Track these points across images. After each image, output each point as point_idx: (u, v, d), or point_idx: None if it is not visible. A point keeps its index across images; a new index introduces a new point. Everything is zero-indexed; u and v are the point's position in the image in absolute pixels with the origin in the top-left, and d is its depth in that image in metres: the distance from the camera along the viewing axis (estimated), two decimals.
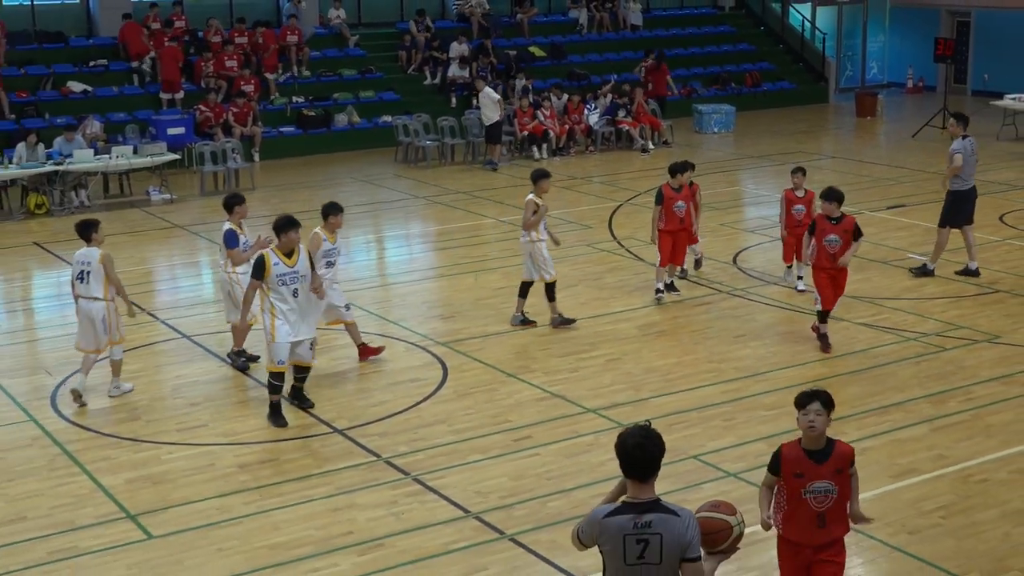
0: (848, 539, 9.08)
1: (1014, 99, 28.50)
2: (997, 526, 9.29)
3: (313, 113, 28.15)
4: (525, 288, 14.37)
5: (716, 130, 30.28)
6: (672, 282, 15.39)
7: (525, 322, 14.38)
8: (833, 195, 13.16)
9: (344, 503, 9.89)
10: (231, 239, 12.85)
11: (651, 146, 27.79)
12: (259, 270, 11.30)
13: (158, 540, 9.33)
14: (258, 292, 11.39)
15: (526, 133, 26.89)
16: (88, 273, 12.14)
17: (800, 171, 15.40)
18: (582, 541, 5.98)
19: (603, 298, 15.43)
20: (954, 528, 9.25)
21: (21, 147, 21.95)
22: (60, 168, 21.67)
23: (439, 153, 26.80)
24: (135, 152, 22.65)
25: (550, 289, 14.21)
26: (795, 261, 15.44)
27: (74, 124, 23.65)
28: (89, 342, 12.23)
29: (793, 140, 28.94)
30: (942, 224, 16.28)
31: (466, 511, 9.69)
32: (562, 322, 14.30)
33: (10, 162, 21.81)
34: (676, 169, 15.13)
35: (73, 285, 12.33)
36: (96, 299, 12.12)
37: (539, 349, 13.64)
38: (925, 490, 9.94)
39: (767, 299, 15.32)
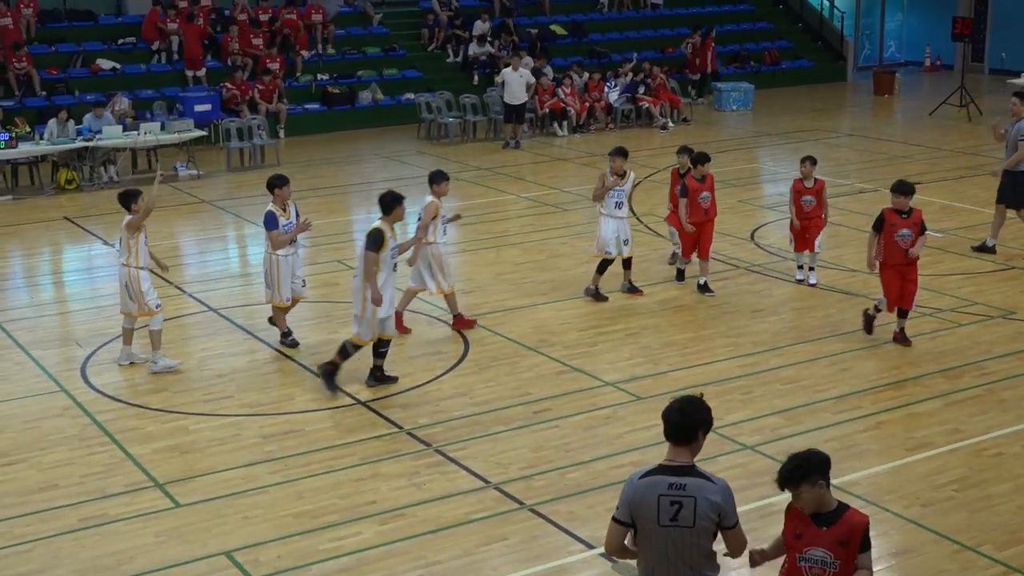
0: (864, 511, 9.10)
1: None
2: (1010, 499, 9.26)
3: (337, 90, 28.14)
4: (603, 266, 14.37)
5: (735, 108, 30.13)
6: (706, 282, 14.58)
7: (597, 296, 14.34)
8: (903, 188, 12.33)
9: (367, 473, 9.92)
10: (271, 221, 12.70)
11: (671, 123, 27.68)
12: (378, 244, 11.29)
13: (185, 508, 9.39)
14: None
15: (547, 110, 26.81)
16: (120, 238, 12.29)
17: (809, 160, 14.54)
18: (619, 521, 5.86)
19: (621, 273, 15.37)
20: (967, 501, 9.22)
21: (52, 123, 22.05)
22: (90, 144, 21.74)
23: (461, 130, 26.75)
24: (163, 129, 22.69)
25: (627, 262, 14.49)
26: (806, 251, 14.71)
27: (103, 101, 23.73)
28: (124, 305, 12.35)
29: (811, 118, 28.78)
30: (999, 201, 16.23)
31: (486, 482, 9.72)
32: (630, 289, 14.56)
33: (41, 138, 21.90)
34: (701, 159, 14.51)
35: None
36: (122, 264, 12.23)
37: (559, 323, 13.64)
38: (939, 464, 9.91)
39: (784, 275, 15.25)
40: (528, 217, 19.20)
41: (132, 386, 12.01)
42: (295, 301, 13.03)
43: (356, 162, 24.17)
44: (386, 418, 11.05)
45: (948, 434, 10.47)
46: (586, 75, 28.06)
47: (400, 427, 10.85)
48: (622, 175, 14.17)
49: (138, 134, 22.18)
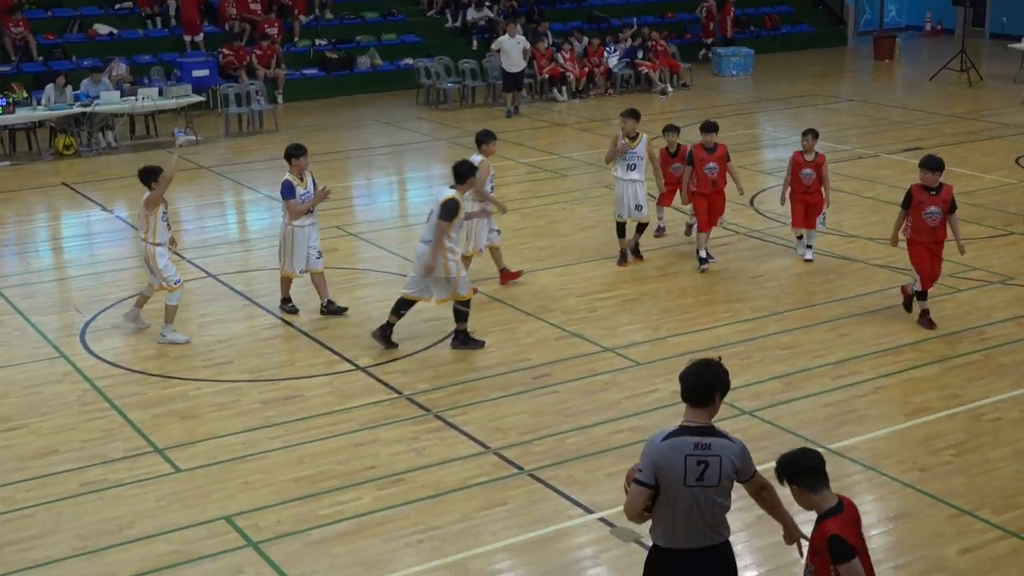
0: (859, 476, 9.15)
1: None
2: (1008, 464, 9.28)
3: (336, 56, 28.02)
4: (620, 229, 14.38)
5: (734, 73, 30.02)
6: (706, 254, 14.26)
7: (624, 260, 14.39)
8: (932, 164, 11.86)
9: (367, 438, 9.94)
10: (288, 191, 12.48)
11: (670, 89, 27.58)
12: (453, 213, 11.37)
13: (185, 473, 9.41)
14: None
15: (546, 76, 26.70)
16: (139, 213, 12.14)
17: (811, 134, 14.07)
18: (643, 483, 5.81)
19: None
20: (965, 466, 9.24)
21: (49, 89, 21.93)
22: (87, 110, 21.66)
23: (460, 95, 26.65)
24: (160, 94, 22.62)
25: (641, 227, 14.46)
26: (804, 230, 14.32)
27: (100, 66, 23.60)
28: (148, 277, 12.28)
29: (811, 83, 28.67)
30: None
31: (486, 447, 9.73)
32: (633, 251, 14.57)
33: (39, 104, 21.81)
34: (709, 128, 14.18)
35: None
36: (140, 239, 12.12)
37: (558, 289, 13.63)
38: (937, 428, 9.93)
39: (783, 240, 15.23)
40: (527, 183, 19.15)
41: (132, 352, 12.01)
42: (312, 274, 12.82)
43: (354, 128, 24.08)
44: (385, 384, 11.06)
45: (946, 399, 10.48)
46: (585, 40, 27.92)
47: (399, 392, 10.86)
48: (633, 137, 14.06)
49: (136, 99, 22.10)
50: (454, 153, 21.53)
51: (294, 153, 12.62)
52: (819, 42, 34.36)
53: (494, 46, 25.63)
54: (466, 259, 13.31)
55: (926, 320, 12.20)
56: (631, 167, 14.05)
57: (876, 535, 8.26)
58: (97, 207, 17.99)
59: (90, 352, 12.00)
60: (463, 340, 11.91)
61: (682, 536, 5.89)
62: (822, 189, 14.14)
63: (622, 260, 14.39)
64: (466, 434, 9.96)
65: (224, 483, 9.22)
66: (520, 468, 9.35)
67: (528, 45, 25.67)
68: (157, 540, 8.40)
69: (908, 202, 12.00)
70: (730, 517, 8.54)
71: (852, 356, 11.50)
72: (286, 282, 12.95)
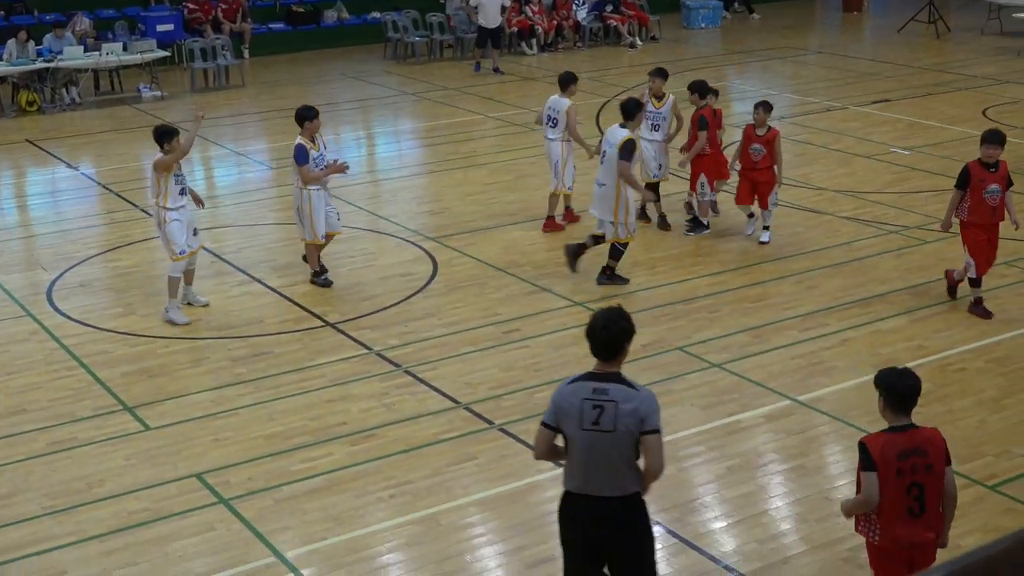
0: (827, 427, 9.24)
1: None
2: (973, 413, 9.38)
3: (302, 9, 27.74)
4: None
5: (703, 25, 29.92)
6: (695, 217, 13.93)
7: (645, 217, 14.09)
8: (995, 137, 10.89)
9: (337, 395, 9.94)
10: (300, 155, 11.93)
11: (639, 42, 27.47)
12: (631, 152, 11.74)
13: (155, 431, 9.38)
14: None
15: (515, 29, 26.53)
16: (148, 177, 11.56)
17: (763, 107, 13.13)
18: (546, 425, 5.94)
19: (590, 193, 15.30)
20: (932, 415, 9.32)
21: (11, 44, 21.63)
22: (50, 65, 21.38)
23: (428, 49, 26.46)
24: (125, 49, 22.33)
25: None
26: (759, 210, 13.37)
27: (63, 21, 23.31)
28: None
29: (780, 35, 28.63)
30: None
31: (456, 402, 9.75)
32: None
33: (0, 59, 21.50)
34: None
35: None
36: (153, 204, 11.58)
37: (528, 243, 13.62)
38: None
39: None
40: (496, 137, 19.09)
41: (100, 310, 11.94)
42: (330, 237, 12.35)
43: (322, 82, 23.90)
44: (355, 340, 11.05)
45: (913, 350, 10.57)
46: None
47: (370, 348, 10.85)
48: (660, 97, 13.83)
49: (100, 55, 21.82)
50: (421, 108, 21.45)
51: (306, 115, 11.99)
52: None
53: (472, 1, 25.26)
54: (554, 197, 13.92)
55: (981, 309, 11.30)
56: (655, 127, 13.79)
57: (843, 485, 8.34)
58: (62, 164, 17.81)
59: (57, 310, 11.92)
60: (609, 276, 12.23)
61: (579, 480, 5.94)
62: (774, 167, 13.10)
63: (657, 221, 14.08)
64: (436, 389, 9.98)
65: (194, 440, 9.21)
66: (490, 423, 9.38)
67: (507, 2, 25.29)
68: (127, 498, 8.39)
69: (966, 181, 10.92)
70: (699, 467, 8.66)
71: (820, 308, 11.56)
72: (313, 251, 12.30)
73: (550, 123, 13.82)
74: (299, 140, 12.03)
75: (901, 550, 6.15)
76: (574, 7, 27.73)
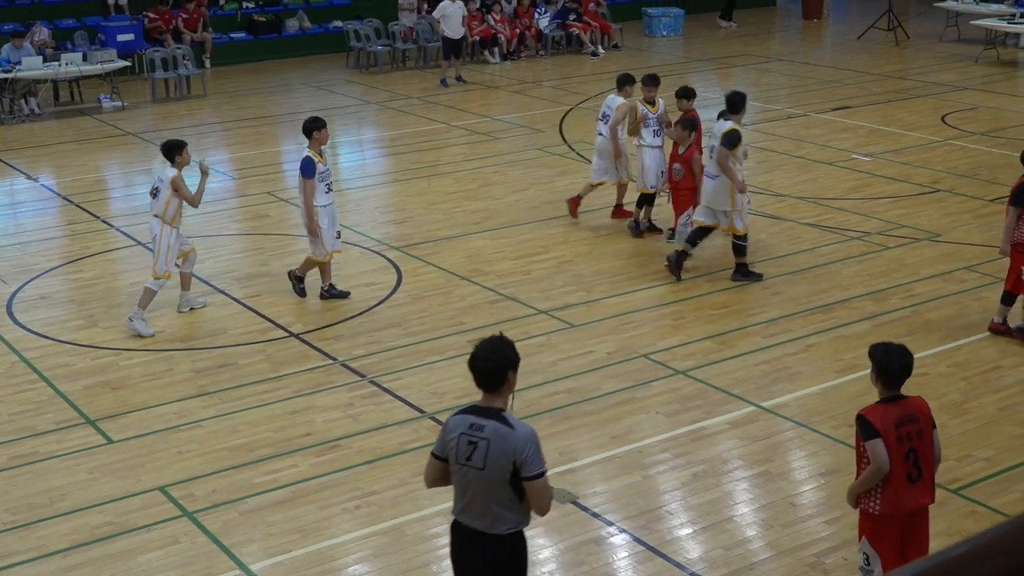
0: (791, 432, 9.30)
1: (957, 0, 28.42)
2: (935, 417, 9.43)
3: (264, 19, 27.66)
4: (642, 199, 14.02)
5: (665, 33, 30.05)
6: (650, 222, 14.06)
7: (652, 229, 14.06)
8: None
9: (302, 405, 9.91)
10: (307, 168, 11.56)
11: (601, 50, 27.57)
12: (735, 142, 11.98)
13: (118, 444, 9.32)
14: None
15: (477, 38, 26.57)
16: (158, 190, 11.39)
17: (680, 124, 13.06)
18: (435, 455, 5.90)
19: (554, 201, 15.38)
20: None
21: None
22: (9, 75, 21.20)
23: (391, 58, 26.45)
24: (84, 59, 22.18)
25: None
26: (688, 212, 12.97)
27: (22, 31, 23.09)
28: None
29: (741, 43, 28.81)
30: None
31: (421, 411, 9.74)
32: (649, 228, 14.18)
33: None
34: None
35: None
36: (155, 216, 11.45)
37: (492, 252, 13.63)
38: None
39: None
40: (460, 146, 19.10)
41: (61, 323, 11.84)
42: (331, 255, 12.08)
43: (284, 92, 23.83)
44: (319, 350, 11.02)
45: None
46: (515, 0, 27.80)
47: (334, 359, 10.82)
48: (652, 103, 13.93)
49: (59, 65, 21.66)
50: (384, 117, 21.43)
51: (314, 126, 11.67)
52: (748, 1, 34.47)
53: (436, 13, 25.15)
54: (622, 187, 14.23)
55: (1009, 330, 10.83)
56: (656, 133, 13.86)
57: (808, 491, 8.40)
58: (21, 175, 17.66)
59: (17, 323, 11.82)
60: (743, 273, 12.39)
61: (459, 509, 5.89)
62: (694, 188, 12.89)
63: (638, 231, 13.97)
64: (402, 399, 9.96)
65: (158, 453, 9.15)
66: None
67: (465, 12, 25.25)
68: (91, 512, 8.32)
69: (1021, 197, 9.95)
70: (664, 474, 8.69)
71: (783, 315, 11.64)
72: (325, 267, 12.08)
73: (603, 119, 14.17)
74: (307, 153, 11.71)
75: (900, 517, 6.37)
76: (536, 15, 27.79)
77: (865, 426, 6.34)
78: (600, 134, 14.23)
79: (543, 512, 5.79)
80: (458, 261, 13.34)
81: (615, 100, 14.03)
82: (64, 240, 14.63)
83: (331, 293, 12.22)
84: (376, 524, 8.11)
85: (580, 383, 10.15)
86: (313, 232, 11.71)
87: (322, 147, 11.87)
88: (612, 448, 9.08)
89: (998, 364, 10.44)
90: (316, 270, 12.20)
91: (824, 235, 13.89)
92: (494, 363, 5.71)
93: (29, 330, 11.65)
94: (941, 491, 8.32)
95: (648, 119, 13.81)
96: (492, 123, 20.33)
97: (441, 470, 5.91)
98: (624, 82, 14.06)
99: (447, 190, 16.26)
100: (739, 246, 12.42)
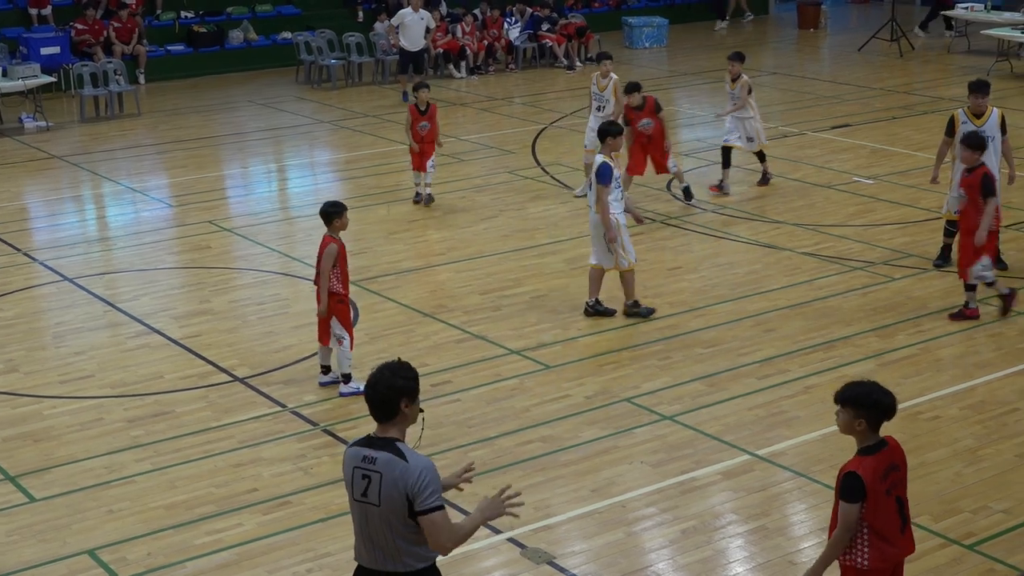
0: (790, 483, 9.32)
1: (965, 8, 28.78)
2: (948, 466, 9.50)
3: (204, 29, 27.70)
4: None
5: (647, 45, 30.27)
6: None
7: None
8: None
9: (247, 458, 9.86)
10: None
11: (579, 63, 27.72)
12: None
13: (41, 503, 9.25)
14: None
15: (441, 50, 26.68)
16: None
17: (627, 89, 16.07)
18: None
19: (527, 230, 15.43)
20: None
21: None
22: None
23: (345, 72, 26.53)
24: (4, 74, 22.15)
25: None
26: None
27: None
28: None
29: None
30: None
31: None
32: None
33: None
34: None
35: None
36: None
37: (458, 286, 13.64)
38: None
39: (705, 228, 15.41)
40: None
41: None
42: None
43: (227, 110, 23.85)
44: (267, 396, 10.99)
45: None
46: (484, 10, 27.97)
47: (283, 406, 10.80)
48: (736, 79, 17.10)
49: None
50: (338, 137, 21.47)
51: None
52: (739, 10, 34.78)
53: (394, 21, 25.23)
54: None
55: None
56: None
57: (808, 547, 8.41)
58: None
59: None
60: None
61: (360, 551, 5.96)
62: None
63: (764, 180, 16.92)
64: None
65: (86, 513, 9.09)
66: None
67: (432, 24, 25.30)
68: None
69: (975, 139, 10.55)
70: (650, 531, 8.69)
71: (779, 353, 11.68)
72: (599, 281, 12.62)
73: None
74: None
75: (888, 571, 6.44)
76: (506, 26, 27.95)
77: (855, 487, 6.33)
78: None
79: (443, 552, 5.83)
80: (421, 296, 13.35)
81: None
82: None
83: (596, 310, 12.64)
84: None
85: (556, 430, 10.15)
86: (613, 239, 12.26)
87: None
88: (592, 502, 9.07)
89: (1016, 406, 10.51)
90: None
91: (824, 265, 13.97)
92: (379, 392, 5.79)
93: None
94: (956, 548, 8.38)
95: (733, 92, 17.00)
96: (458, 144, 20.39)
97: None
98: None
99: (409, 218, 16.28)
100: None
